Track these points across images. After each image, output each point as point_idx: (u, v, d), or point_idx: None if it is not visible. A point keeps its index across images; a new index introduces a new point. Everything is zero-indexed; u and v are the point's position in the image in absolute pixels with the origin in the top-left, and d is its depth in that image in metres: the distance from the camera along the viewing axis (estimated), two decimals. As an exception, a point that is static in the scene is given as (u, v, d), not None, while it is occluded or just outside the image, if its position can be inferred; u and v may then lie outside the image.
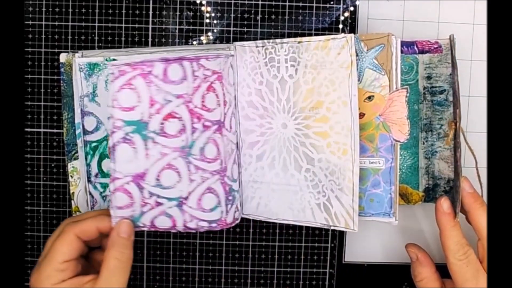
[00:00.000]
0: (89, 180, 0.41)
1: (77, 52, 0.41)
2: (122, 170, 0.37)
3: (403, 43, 0.39)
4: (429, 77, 0.39)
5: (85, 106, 0.40)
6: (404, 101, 0.38)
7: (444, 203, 0.37)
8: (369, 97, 0.38)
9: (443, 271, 0.39)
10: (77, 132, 0.41)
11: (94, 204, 0.42)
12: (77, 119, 0.41)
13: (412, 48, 0.39)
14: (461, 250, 0.37)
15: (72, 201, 0.42)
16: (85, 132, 0.41)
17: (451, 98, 0.39)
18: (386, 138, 0.39)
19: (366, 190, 0.39)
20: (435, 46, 0.39)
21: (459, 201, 0.37)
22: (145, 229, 0.38)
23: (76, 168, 0.42)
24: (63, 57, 0.41)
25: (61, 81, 0.41)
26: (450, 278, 0.38)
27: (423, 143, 0.40)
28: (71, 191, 0.42)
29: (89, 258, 0.38)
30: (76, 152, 0.41)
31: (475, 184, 0.39)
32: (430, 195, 0.41)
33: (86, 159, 0.41)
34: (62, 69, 0.41)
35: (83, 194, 0.42)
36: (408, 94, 0.38)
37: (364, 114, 0.39)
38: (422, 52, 0.39)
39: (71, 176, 0.42)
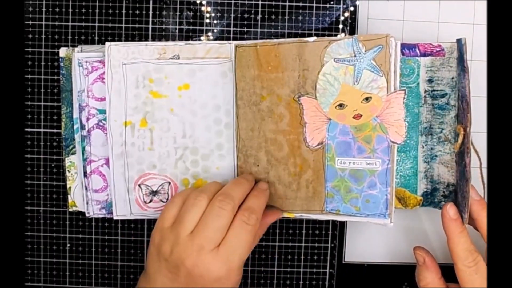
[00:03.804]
0: (85, 175, 0.42)
1: (77, 47, 0.41)
2: (97, 153, 0.42)
3: (405, 46, 0.39)
4: (430, 80, 0.39)
5: (83, 101, 0.41)
6: (401, 103, 0.38)
7: (451, 209, 0.37)
8: (367, 98, 0.38)
9: (447, 272, 0.39)
10: (75, 127, 0.41)
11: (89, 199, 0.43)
12: (75, 114, 0.41)
13: (413, 50, 0.39)
14: (470, 257, 0.36)
15: (69, 196, 0.42)
16: (83, 127, 0.41)
17: (452, 102, 0.39)
18: (383, 139, 0.39)
19: (362, 191, 0.39)
20: (438, 49, 0.39)
21: (468, 207, 0.36)
22: None
23: (74, 162, 0.42)
24: (62, 52, 0.41)
25: (61, 76, 0.41)
26: (454, 282, 0.38)
27: (423, 147, 0.40)
28: (68, 186, 0.42)
29: None
30: (74, 147, 0.42)
31: (478, 185, 0.39)
32: (428, 200, 0.41)
33: (83, 154, 0.42)
34: (61, 64, 0.41)
35: (79, 189, 0.42)
36: (405, 96, 0.38)
37: (361, 115, 0.39)
38: (424, 55, 0.39)
39: (68, 170, 0.42)
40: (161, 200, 0.42)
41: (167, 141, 0.41)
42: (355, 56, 0.38)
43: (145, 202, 0.42)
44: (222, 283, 0.35)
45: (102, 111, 0.41)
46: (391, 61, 0.38)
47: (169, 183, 0.42)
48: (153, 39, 0.43)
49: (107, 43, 0.40)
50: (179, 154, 0.41)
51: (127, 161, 0.41)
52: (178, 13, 0.43)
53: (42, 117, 0.43)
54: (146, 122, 0.41)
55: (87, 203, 0.42)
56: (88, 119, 0.41)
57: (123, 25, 0.43)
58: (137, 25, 0.43)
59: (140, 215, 0.42)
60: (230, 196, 0.36)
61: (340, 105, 0.39)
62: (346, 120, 0.39)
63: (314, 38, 0.39)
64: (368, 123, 0.39)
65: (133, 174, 0.42)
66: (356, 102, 0.38)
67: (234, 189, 0.37)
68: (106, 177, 0.42)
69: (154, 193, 0.42)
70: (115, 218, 0.42)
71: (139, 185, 0.42)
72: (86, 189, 0.42)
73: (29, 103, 0.43)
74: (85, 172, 0.42)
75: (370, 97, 0.38)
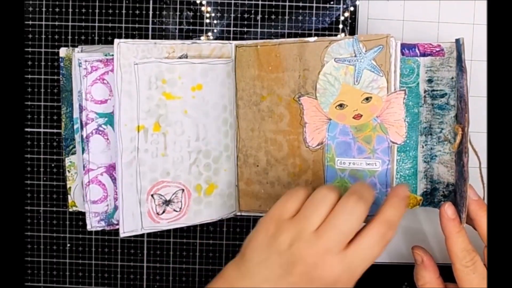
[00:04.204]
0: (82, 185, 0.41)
1: (77, 47, 0.41)
2: (96, 161, 0.39)
3: (405, 46, 0.39)
4: (430, 80, 0.39)
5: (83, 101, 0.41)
6: (401, 103, 0.38)
7: (448, 209, 0.37)
8: (367, 98, 0.38)
9: (445, 271, 0.39)
10: (75, 127, 0.41)
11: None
12: (75, 114, 0.40)
13: (413, 50, 0.39)
14: (467, 257, 0.36)
15: (69, 196, 0.42)
16: (83, 127, 0.41)
17: (452, 102, 0.39)
18: (383, 139, 0.39)
19: None
20: (437, 49, 0.39)
21: (466, 207, 0.36)
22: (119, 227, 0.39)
23: (74, 162, 0.42)
24: (62, 52, 0.41)
25: (61, 76, 0.41)
26: (453, 282, 0.38)
27: (423, 147, 0.40)
28: (68, 186, 0.42)
29: None
30: (74, 147, 0.41)
31: (478, 185, 0.39)
32: (428, 199, 0.41)
33: (83, 153, 0.41)
34: (61, 64, 0.41)
35: (79, 189, 0.42)
36: (406, 96, 0.38)
37: (361, 115, 0.39)
38: (423, 55, 0.39)
39: (68, 170, 0.42)
40: (174, 210, 0.40)
41: (181, 145, 0.39)
42: (355, 56, 0.38)
43: (157, 213, 0.39)
44: None
45: (102, 115, 0.39)
46: (391, 61, 0.38)
47: (183, 190, 0.40)
48: (154, 39, 0.43)
49: (116, 40, 0.37)
50: (193, 159, 0.40)
51: (139, 170, 0.38)
52: (178, 13, 0.43)
53: (42, 117, 0.43)
54: (159, 126, 0.38)
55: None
56: (86, 123, 0.39)
57: (123, 25, 0.43)
58: (137, 25, 0.43)
59: (152, 229, 0.39)
60: (364, 197, 0.33)
61: (340, 105, 0.39)
62: (346, 120, 0.39)
63: (315, 38, 0.39)
64: (368, 123, 0.39)
65: (145, 184, 0.38)
66: (356, 102, 0.38)
67: (366, 190, 0.34)
68: (106, 187, 0.40)
69: (167, 202, 0.39)
70: (122, 236, 0.38)
71: (152, 195, 0.39)
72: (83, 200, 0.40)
73: (29, 103, 0.43)
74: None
75: (370, 97, 0.38)
